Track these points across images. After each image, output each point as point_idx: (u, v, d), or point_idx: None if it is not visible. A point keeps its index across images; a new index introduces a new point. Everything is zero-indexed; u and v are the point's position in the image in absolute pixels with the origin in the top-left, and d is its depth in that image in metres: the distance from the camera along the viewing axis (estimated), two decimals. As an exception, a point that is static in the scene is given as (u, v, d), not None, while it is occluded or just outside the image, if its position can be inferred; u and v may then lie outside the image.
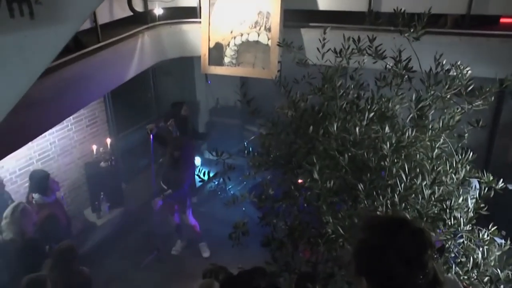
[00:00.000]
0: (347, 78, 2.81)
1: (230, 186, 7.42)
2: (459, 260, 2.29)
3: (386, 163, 2.24)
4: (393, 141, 2.29)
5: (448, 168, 2.42)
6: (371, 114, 2.23)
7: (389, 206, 2.22)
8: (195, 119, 8.58)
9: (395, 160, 2.35)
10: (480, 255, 2.34)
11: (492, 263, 2.41)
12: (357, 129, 2.21)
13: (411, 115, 2.32)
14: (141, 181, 7.36)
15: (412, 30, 2.33)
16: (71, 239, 5.19)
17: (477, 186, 2.74)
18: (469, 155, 2.55)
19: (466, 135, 2.66)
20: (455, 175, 2.39)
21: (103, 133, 6.84)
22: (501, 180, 2.51)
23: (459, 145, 2.62)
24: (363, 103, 2.39)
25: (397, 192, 2.24)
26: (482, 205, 2.39)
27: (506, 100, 5.54)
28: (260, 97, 7.62)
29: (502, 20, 4.76)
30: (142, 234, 6.76)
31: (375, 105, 2.35)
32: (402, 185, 2.24)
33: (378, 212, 2.13)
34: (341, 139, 2.26)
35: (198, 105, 8.77)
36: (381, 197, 2.18)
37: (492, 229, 2.65)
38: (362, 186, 2.24)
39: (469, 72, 2.35)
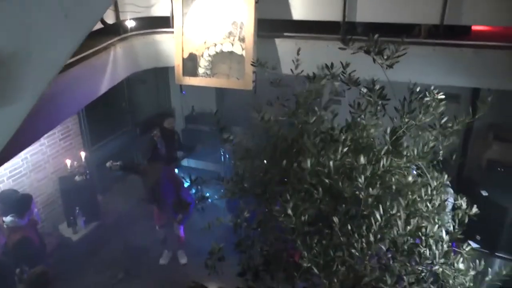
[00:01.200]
0: (322, 102, 2.76)
1: (208, 194, 7.36)
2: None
3: (361, 195, 2.20)
4: (368, 173, 2.25)
5: (423, 195, 2.40)
6: (345, 148, 2.19)
7: (363, 236, 2.19)
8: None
9: (370, 190, 2.31)
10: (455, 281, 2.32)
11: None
12: (331, 163, 2.16)
13: (386, 147, 2.28)
14: (118, 193, 7.25)
15: (386, 58, 2.29)
16: (45, 259, 5.07)
17: (452, 202, 2.75)
18: (444, 179, 2.53)
19: (441, 152, 2.65)
20: (430, 202, 2.37)
21: (77, 146, 6.68)
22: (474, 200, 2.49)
23: (434, 163, 2.61)
24: (337, 132, 2.35)
25: (372, 223, 2.21)
26: (458, 232, 2.37)
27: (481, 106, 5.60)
28: (237, 105, 7.61)
29: (474, 28, 4.79)
30: (118, 248, 6.64)
31: (350, 134, 2.31)
32: (377, 215, 2.20)
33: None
34: (315, 172, 2.22)
35: (174, 113, 8.66)
36: (356, 228, 2.14)
37: (468, 249, 2.63)
38: (337, 218, 2.20)
39: (443, 101, 2.32)
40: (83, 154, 6.59)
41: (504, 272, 2.56)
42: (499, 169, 5.58)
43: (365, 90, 2.35)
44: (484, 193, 5.23)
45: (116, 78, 5.53)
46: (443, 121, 2.26)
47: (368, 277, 2.16)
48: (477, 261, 2.58)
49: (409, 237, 2.22)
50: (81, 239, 6.39)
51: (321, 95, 2.61)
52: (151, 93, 8.14)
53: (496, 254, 5.22)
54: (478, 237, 5.32)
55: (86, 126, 6.82)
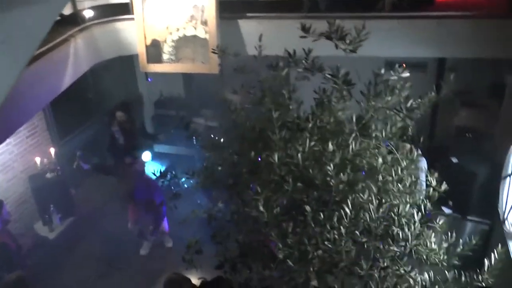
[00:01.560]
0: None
1: (183, 180, 7.30)
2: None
3: (332, 182, 2.20)
4: (337, 159, 2.25)
5: (394, 175, 2.42)
6: (312, 143, 2.17)
7: (335, 228, 2.19)
8: (140, 114, 8.36)
9: (341, 176, 2.31)
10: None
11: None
12: (299, 155, 2.14)
13: (353, 134, 2.27)
14: (91, 186, 7.13)
15: (348, 42, 2.26)
16: (23, 262, 4.98)
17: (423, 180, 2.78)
18: (414, 155, 2.56)
19: (411, 128, 2.67)
20: (401, 183, 2.39)
21: (45, 142, 6.49)
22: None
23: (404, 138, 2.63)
24: (304, 121, 2.32)
25: (343, 215, 2.23)
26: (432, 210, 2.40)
27: (447, 75, 5.68)
28: (205, 89, 7.50)
29: (438, -1, 4.81)
30: (97, 242, 6.56)
31: (316, 122, 2.29)
32: (347, 209, 2.22)
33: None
34: (284, 163, 2.20)
35: (142, 99, 8.52)
36: (327, 220, 2.15)
37: (441, 222, 2.68)
38: (309, 207, 2.20)
39: (408, 83, 2.31)
40: (52, 150, 6.41)
41: (473, 242, 2.60)
42: (467, 135, 5.70)
43: (329, 75, 2.32)
44: (454, 160, 5.35)
45: (79, 70, 5.36)
46: (408, 104, 2.25)
47: (343, 262, 2.19)
48: (449, 233, 2.63)
49: (381, 220, 2.24)
50: (58, 236, 6.28)
51: (287, 82, 2.57)
52: (118, 82, 7.93)
53: (468, 218, 5.38)
54: (450, 203, 5.47)
55: (52, 121, 6.62)
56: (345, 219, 2.00)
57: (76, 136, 7.18)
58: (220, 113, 2.69)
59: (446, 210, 5.54)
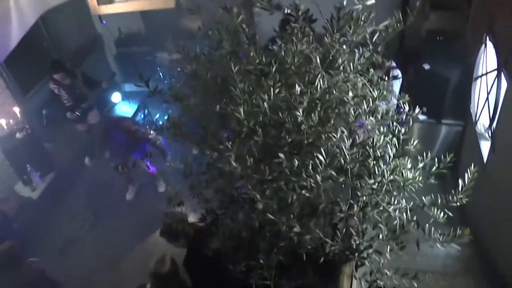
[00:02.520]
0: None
1: (157, 116, 7.23)
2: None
3: (303, 125, 2.15)
4: (305, 102, 2.17)
5: (365, 108, 2.36)
6: (277, 90, 2.07)
7: (311, 171, 2.17)
8: (101, 55, 8.00)
9: (312, 116, 2.25)
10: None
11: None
12: (265, 104, 2.05)
13: (319, 75, 2.17)
14: (65, 137, 6.97)
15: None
16: (11, 230, 4.99)
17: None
18: (385, 85, 2.50)
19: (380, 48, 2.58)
20: (373, 116, 2.34)
21: (7, 101, 6.19)
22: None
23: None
24: (267, 65, 2.20)
25: (319, 151, 2.20)
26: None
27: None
28: (165, 26, 7.13)
29: None
30: (82, 193, 6.58)
31: (279, 65, 2.18)
32: (322, 142, 2.19)
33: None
34: (251, 113, 2.11)
35: (101, 39, 8.08)
36: (303, 166, 2.12)
37: (415, 144, 2.67)
38: (282, 155, 2.16)
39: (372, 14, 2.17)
40: (16, 109, 6.14)
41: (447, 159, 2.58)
42: (438, 38, 5.61)
43: (288, 14, 2.16)
44: (426, 67, 5.30)
45: (27, 22, 4.97)
46: (374, 38, 2.13)
47: (323, 204, 2.20)
48: (424, 154, 2.63)
49: (357, 156, 2.22)
50: (42, 194, 6.23)
51: (248, 24, 2.41)
52: (72, 27, 7.45)
53: (442, 121, 5.48)
54: (424, 109, 5.51)
55: (10, 78, 6.25)
56: (320, 167, 1.97)
57: (39, 89, 6.85)
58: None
59: (421, 117, 5.61)
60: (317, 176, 1.95)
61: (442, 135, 5.64)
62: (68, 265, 5.22)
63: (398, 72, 5.06)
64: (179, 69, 2.74)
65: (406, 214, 2.04)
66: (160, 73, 7.36)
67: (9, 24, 4.62)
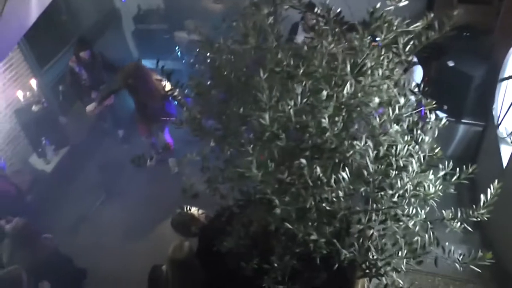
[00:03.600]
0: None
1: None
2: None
3: (328, 133, 2.10)
4: (331, 107, 2.12)
5: (391, 115, 2.30)
6: (305, 99, 2.01)
7: (333, 185, 2.13)
8: (118, 32, 7.93)
9: (336, 120, 2.20)
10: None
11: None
12: (291, 110, 2.00)
13: (348, 82, 2.10)
14: (80, 112, 6.97)
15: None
16: (25, 204, 5.04)
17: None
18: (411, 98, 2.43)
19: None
20: (397, 124, 2.28)
21: (24, 73, 6.19)
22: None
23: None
24: (294, 67, 2.13)
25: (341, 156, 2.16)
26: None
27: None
28: (184, 5, 7.02)
29: None
30: (95, 170, 6.61)
31: (307, 67, 2.11)
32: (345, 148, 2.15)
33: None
34: (276, 119, 2.06)
35: (119, 15, 8.00)
36: (324, 173, 2.08)
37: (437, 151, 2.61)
38: (305, 160, 2.12)
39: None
40: (33, 82, 6.14)
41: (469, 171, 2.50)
42: (464, 34, 5.44)
43: (319, 15, 2.09)
44: (451, 64, 5.17)
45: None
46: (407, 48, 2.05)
47: (342, 211, 2.17)
48: (446, 162, 2.57)
49: (379, 166, 2.17)
50: (56, 168, 6.28)
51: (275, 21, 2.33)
52: (91, 2, 7.39)
53: (462, 121, 5.37)
54: (445, 107, 5.41)
55: (28, 50, 6.23)
56: (343, 182, 1.93)
57: (57, 63, 6.82)
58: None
59: (441, 115, 5.50)
60: (339, 191, 1.90)
61: (459, 135, 5.54)
62: (79, 242, 5.29)
63: (419, 70, 4.95)
64: (199, 54, 2.68)
65: (428, 234, 2.00)
66: (178, 53, 7.28)
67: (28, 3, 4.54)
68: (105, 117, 6.93)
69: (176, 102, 5.58)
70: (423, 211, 2.29)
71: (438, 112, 5.64)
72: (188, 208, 3.73)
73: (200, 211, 3.69)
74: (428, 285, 2.18)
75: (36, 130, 6.16)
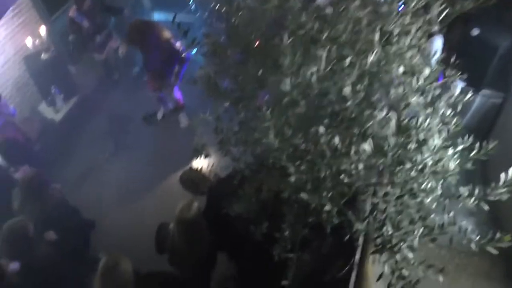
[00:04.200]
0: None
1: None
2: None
3: (349, 101, 2.02)
4: (354, 74, 2.03)
5: (414, 86, 2.20)
6: (329, 66, 1.91)
7: (354, 140, 2.08)
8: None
9: (358, 89, 2.12)
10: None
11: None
12: (314, 77, 1.91)
13: (375, 51, 1.99)
14: (90, 61, 6.87)
15: None
16: (34, 153, 5.04)
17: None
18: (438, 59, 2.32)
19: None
20: (422, 95, 2.19)
21: (33, 20, 6.04)
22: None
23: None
24: (318, 31, 2.02)
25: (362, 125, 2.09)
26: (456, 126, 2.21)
27: None
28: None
29: None
30: (104, 120, 6.58)
31: (331, 32, 2.00)
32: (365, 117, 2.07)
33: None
34: (297, 85, 1.97)
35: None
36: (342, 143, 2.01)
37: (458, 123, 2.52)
38: (323, 128, 2.05)
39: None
40: (43, 29, 6.00)
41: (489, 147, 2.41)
42: (492, 1, 5.17)
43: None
44: (475, 32, 4.96)
45: None
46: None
47: (358, 182, 2.11)
48: (466, 136, 2.48)
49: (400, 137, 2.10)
50: (65, 118, 6.26)
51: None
52: None
53: (480, 91, 5.22)
54: (465, 76, 5.24)
55: (37, -4, 6.06)
56: (363, 155, 1.86)
57: (66, 11, 6.64)
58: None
59: (460, 83, 5.34)
60: (360, 165, 1.84)
61: (476, 105, 5.40)
62: (87, 193, 5.33)
63: (439, 37, 4.75)
64: (215, 10, 2.55)
65: (447, 213, 1.95)
66: (192, 6, 7.05)
67: None
68: (114, 65, 6.83)
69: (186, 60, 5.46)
70: (439, 186, 2.24)
71: (458, 81, 5.48)
72: (197, 167, 3.70)
73: (210, 170, 3.66)
74: (433, 256, 2.16)
75: (45, 78, 6.09)
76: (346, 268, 3.24)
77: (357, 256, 3.19)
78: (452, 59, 2.55)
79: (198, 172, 3.64)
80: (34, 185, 3.78)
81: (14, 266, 3.18)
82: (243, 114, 2.42)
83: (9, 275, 3.11)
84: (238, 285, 3.24)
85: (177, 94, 5.98)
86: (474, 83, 5.19)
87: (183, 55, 5.45)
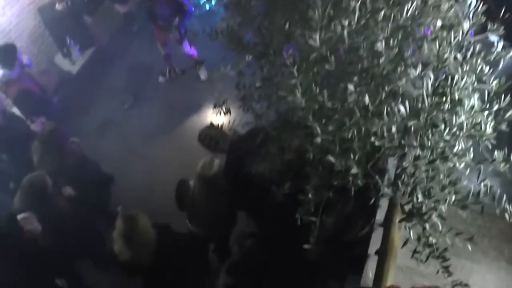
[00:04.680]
0: None
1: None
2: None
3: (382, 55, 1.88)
4: (388, 28, 1.88)
5: (452, 40, 2.04)
6: (362, 20, 1.76)
7: (383, 98, 1.96)
8: None
9: (391, 44, 1.97)
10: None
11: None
12: (345, 32, 1.77)
13: (412, 2, 1.83)
14: (107, 11, 6.69)
15: None
16: (51, 105, 5.02)
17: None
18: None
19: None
20: (460, 52, 2.03)
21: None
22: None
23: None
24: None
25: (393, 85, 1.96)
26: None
27: None
28: None
29: None
30: (122, 73, 6.48)
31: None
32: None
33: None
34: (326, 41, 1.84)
35: None
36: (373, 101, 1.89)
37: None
38: (352, 87, 1.93)
39: None
40: (55, -22, 5.81)
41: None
42: None
43: None
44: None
45: None
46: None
47: (387, 144, 2.01)
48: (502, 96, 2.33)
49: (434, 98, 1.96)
50: (81, 69, 6.18)
51: None
52: None
53: (514, 46, 4.95)
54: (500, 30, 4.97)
55: None
56: (398, 116, 1.75)
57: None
58: None
59: (492, 38, 5.07)
60: (393, 127, 1.74)
61: (508, 61, 5.14)
62: (106, 146, 5.32)
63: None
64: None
65: (486, 186, 1.84)
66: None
67: None
68: (133, 17, 6.64)
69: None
70: (471, 150, 2.12)
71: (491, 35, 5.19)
72: (217, 123, 3.61)
73: (230, 127, 3.56)
74: (456, 218, 2.08)
75: (60, 29, 5.97)
76: (366, 229, 3.21)
77: (378, 217, 3.15)
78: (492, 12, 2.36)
79: (217, 129, 3.55)
80: (52, 138, 3.76)
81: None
82: (267, 69, 2.30)
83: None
84: (257, 243, 3.22)
85: (189, 49, 5.82)
86: (510, 37, 4.93)
87: (184, 7, 5.28)
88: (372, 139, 1.82)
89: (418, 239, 1.96)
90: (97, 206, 4.04)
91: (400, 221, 1.93)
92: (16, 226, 3.11)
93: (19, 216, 3.15)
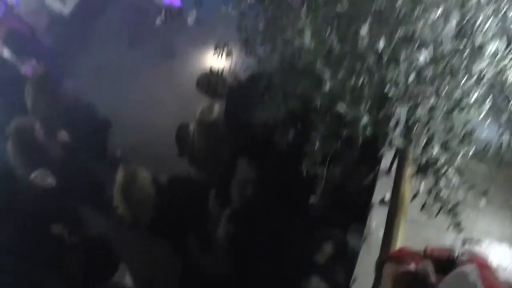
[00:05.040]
0: None
1: None
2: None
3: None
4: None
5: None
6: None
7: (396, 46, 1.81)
8: None
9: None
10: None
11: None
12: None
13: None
14: None
15: None
16: (40, 47, 4.79)
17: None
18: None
19: None
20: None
21: None
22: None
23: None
24: None
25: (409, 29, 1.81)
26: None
27: None
28: None
29: None
30: (115, 12, 6.16)
31: None
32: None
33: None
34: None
35: None
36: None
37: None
38: (365, 29, 1.77)
39: None
40: None
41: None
42: None
43: None
44: None
45: None
46: None
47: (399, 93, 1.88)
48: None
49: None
50: (73, 11, 5.85)
51: None
52: None
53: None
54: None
55: None
56: (416, 62, 1.60)
57: None
58: None
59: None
60: (411, 75, 1.60)
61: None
62: (101, 90, 5.13)
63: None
64: None
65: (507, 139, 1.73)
66: None
67: None
68: None
69: None
70: (489, 98, 2.00)
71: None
72: (217, 68, 3.45)
73: (231, 72, 3.41)
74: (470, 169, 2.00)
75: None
76: (370, 178, 3.15)
77: (382, 166, 3.07)
78: None
79: (217, 74, 3.40)
80: (44, 82, 3.61)
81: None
82: (271, 11, 2.11)
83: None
84: (257, 190, 3.17)
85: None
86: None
87: None
88: (387, 87, 1.68)
89: (429, 192, 1.89)
90: (95, 152, 3.96)
91: (414, 175, 1.84)
92: (12, 175, 3.04)
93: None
